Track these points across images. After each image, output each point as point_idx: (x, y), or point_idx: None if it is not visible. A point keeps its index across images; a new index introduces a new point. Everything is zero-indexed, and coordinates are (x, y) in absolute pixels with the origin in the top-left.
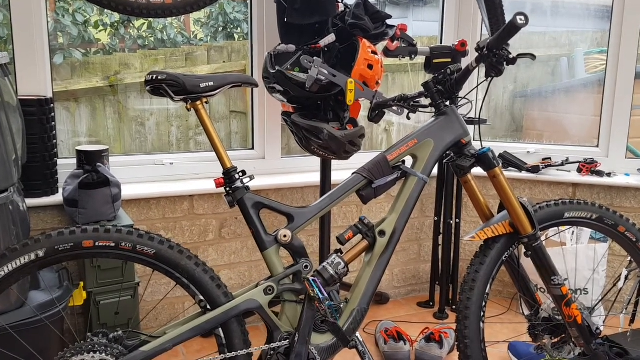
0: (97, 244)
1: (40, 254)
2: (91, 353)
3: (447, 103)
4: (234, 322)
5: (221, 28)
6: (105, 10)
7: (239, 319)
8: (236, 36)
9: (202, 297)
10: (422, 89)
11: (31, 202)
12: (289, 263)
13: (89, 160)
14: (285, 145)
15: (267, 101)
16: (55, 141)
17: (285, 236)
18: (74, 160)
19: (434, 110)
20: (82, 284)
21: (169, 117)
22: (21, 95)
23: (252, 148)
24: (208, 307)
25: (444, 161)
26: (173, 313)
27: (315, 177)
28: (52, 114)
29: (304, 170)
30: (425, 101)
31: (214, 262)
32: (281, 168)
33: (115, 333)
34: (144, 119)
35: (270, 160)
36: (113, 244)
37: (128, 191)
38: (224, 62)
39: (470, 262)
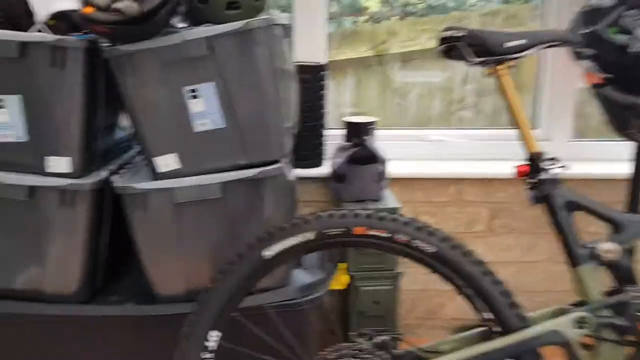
0: (369, 232)
1: (310, 236)
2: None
3: None
4: (528, 355)
5: None
6: None
7: (535, 354)
8: None
9: (489, 316)
10: None
11: (297, 172)
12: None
13: (356, 133)
14: (578, 125)
15: (560, 71)
16: (325, 110)
17: (609, 251)
18: (339, 132)
19: None
20: (343, 265)
21: (431, 90)
22: (297, 61)
23: (535, 127)
24: (495, 329)
25: None
26: (429, 306)
27: (615, 168)
28: (325, 82)
29: (598, 158)
30: None
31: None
32: (570, 153)
33: (381, 337)
34: (406, 91)
35: (557, 143)
36: (387, 235)
37: (391, 169)
38: None
39: None
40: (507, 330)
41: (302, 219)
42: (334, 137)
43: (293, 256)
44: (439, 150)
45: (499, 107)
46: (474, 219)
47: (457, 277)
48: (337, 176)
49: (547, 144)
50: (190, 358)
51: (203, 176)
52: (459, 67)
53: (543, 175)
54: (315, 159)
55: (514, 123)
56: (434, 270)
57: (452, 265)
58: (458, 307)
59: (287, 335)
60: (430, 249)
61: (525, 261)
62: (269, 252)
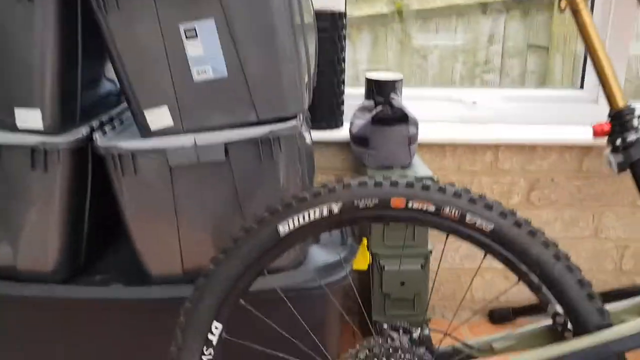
0: (410, 205)
1: (335, 209)
2: None
3: None
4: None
5: None
6: None
7: (620, 359)
8: None
9: (560, 310)
10: None
11: (313, 135)
12: None
13: (380, 91)
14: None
15: (611, 22)
16: (344, 65)
17: None
18: (359, 91)
19: None
20: (365, 241)
21: (455, 51)
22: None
23: (581, 87)
24: (568, 326)
25: None
26: (457, 286)
27: None
28: (344, 32)
29: None
30: None
31: None
32: None
33: (421, 332)
34: (427, 51)
35: (605, 105)
36: (433, 208)
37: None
38: None
39: None
40: (582, 328)
41: (327, 188)
42: (351, 96)
43: (314, 232)
44: (472, 112)
45: (526, 69)
46: (511, 190)
47: (519, 261)
48: (359, 139)
49: (593, 107)
50: (189, 354)
51: (203, 135)
52: (483, 27)
53: (631, 136)
54: (332, 120)
55: (595, 69)
56: (491, 251)
57: (514, 246)
58: (488, 288)
59: (302, 325)
60: (487, 225)
61: (567, 237)
62: (286, 227)
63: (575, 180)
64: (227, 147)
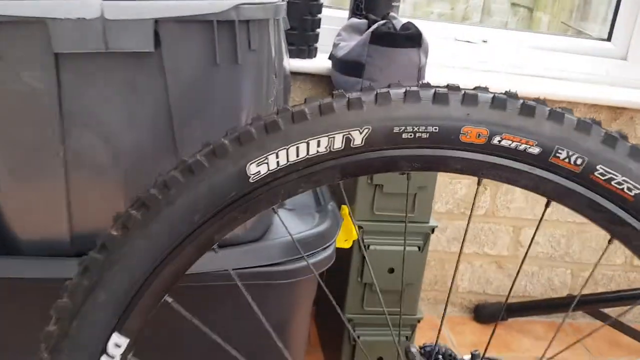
0: (495, 140)
1: (357, 138)
2: None
3: None
4: None
5: None
6: None
7: None
8: None
9: None
10: None
11: None
12: None
13: (372, 8)
14: None
15: None
16: None
17: None
18: (340, 13)
19: None
20: (346, 210)
21: (430, 2)
22: None
23: (608, 39)
24: None
25: None
26: (438, 275)
27: None
28: None
29: None
30: None
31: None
32: None
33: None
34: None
35: (635, 63)
36: (537, 150)
37: None
38: None
39: None
40: None
41: (346, 99)
42: (328, 19)
43: (311, 181)
44: (485, 56)
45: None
46: None
47: None
48: (348, 65)
49: (621, 64)
50: None
51: (117, 2)
52: None
53: None
54: (303, 45)
55: None
56: (624, 234)
57: None
58: (476, 278)
59: (266, 328)
60: (631, 188)
61: (574, 222)
62: (262, 166)
63: None
64: (158, 29)
